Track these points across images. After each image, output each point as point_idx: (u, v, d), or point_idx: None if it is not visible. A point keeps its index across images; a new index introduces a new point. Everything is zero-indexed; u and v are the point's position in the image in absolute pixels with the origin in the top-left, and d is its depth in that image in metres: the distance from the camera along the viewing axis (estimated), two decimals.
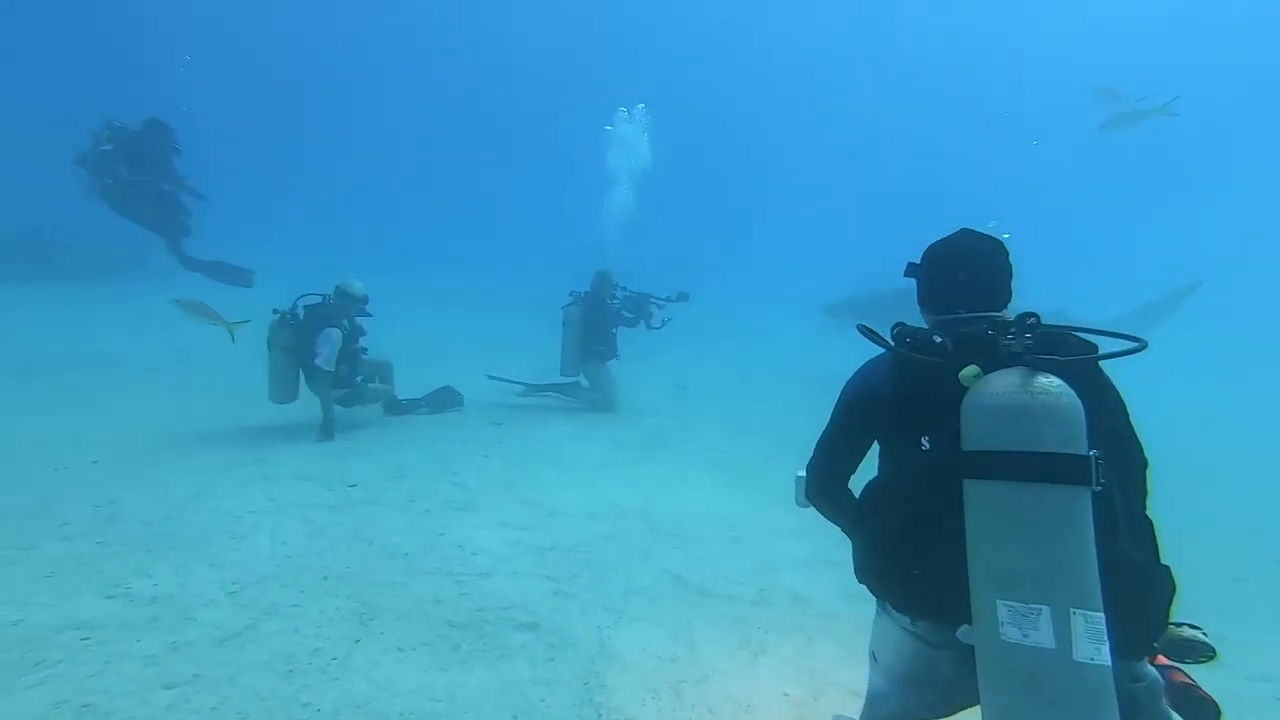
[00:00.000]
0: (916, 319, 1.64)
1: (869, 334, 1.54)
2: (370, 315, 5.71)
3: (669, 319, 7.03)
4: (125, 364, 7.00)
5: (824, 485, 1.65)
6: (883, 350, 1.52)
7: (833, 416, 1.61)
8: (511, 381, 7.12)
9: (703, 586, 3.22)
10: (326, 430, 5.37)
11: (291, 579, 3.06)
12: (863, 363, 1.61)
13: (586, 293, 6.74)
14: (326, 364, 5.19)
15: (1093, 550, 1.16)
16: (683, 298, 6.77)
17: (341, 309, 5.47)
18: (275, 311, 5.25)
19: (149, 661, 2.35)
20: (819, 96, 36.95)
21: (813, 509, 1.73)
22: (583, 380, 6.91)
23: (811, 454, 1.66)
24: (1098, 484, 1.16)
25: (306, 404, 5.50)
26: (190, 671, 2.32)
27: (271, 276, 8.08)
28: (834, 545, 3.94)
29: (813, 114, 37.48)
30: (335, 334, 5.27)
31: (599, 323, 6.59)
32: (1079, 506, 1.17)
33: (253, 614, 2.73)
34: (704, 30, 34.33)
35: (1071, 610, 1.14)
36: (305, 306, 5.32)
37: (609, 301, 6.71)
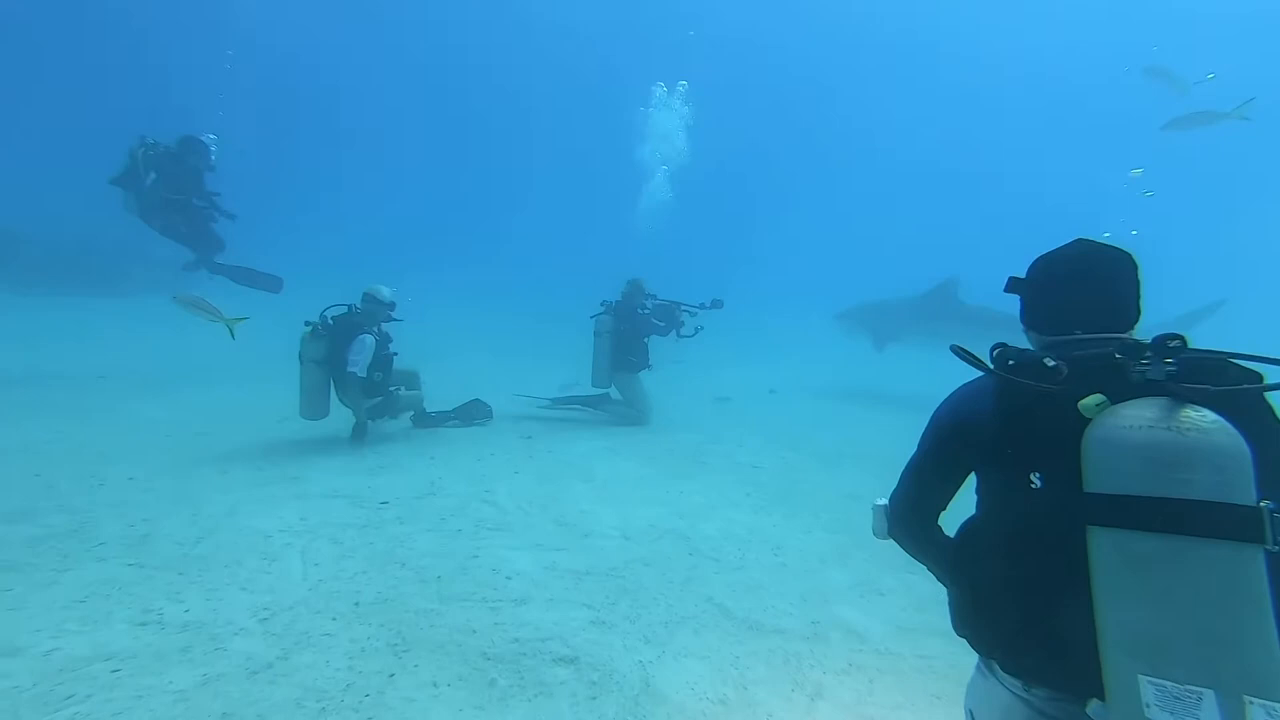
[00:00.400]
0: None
1: (965, 355, 1.36)
2: (400, 320, 5.67)
3: (701, 327, 6.88)
4: (160, 375, 7.09)
5: (910, 521, 1.47)
6: (980, 374, 1.34)
7: (921, 445, 1.43)
8: (539, 398, 7.02)
9: (749, 618, 3.03)
10: (359, 434, 5.35)
11: (323, 605, 2.97)
12: (957, 386, 1.43)
13: (617, 301, 6.62)
14: (359, 369, 5.16)
15: (1272, 623, 0.96)
16: (716, 305, 6.61)
17: (370, 316, 5.44)
18: (306, 324, 5.24)
19: (179, 697, 2.26)
20: (833, 102, 36.51)
21: (894, 543, 1.55)
22: (613, 392, 6.77)
23: (896, 484, 1.49)
24: (1276, 542, 0.96)
25: (336, 418, 5.48)
26: (220, 709, 2.22)
27: (295, 286, 8.20)
28: (883, 572, 3.80)
29: (830, 120, 37.04)
30: (369, 340, 5.23)
31: (631, 332, 6.46)
32: (1252, 569, 0.97)
33: (284, 644, 2.63)
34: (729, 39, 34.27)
35: (1247, 700, 0.94)
36: (332, 317, 5.30)
37: (640, 310, 6.57)
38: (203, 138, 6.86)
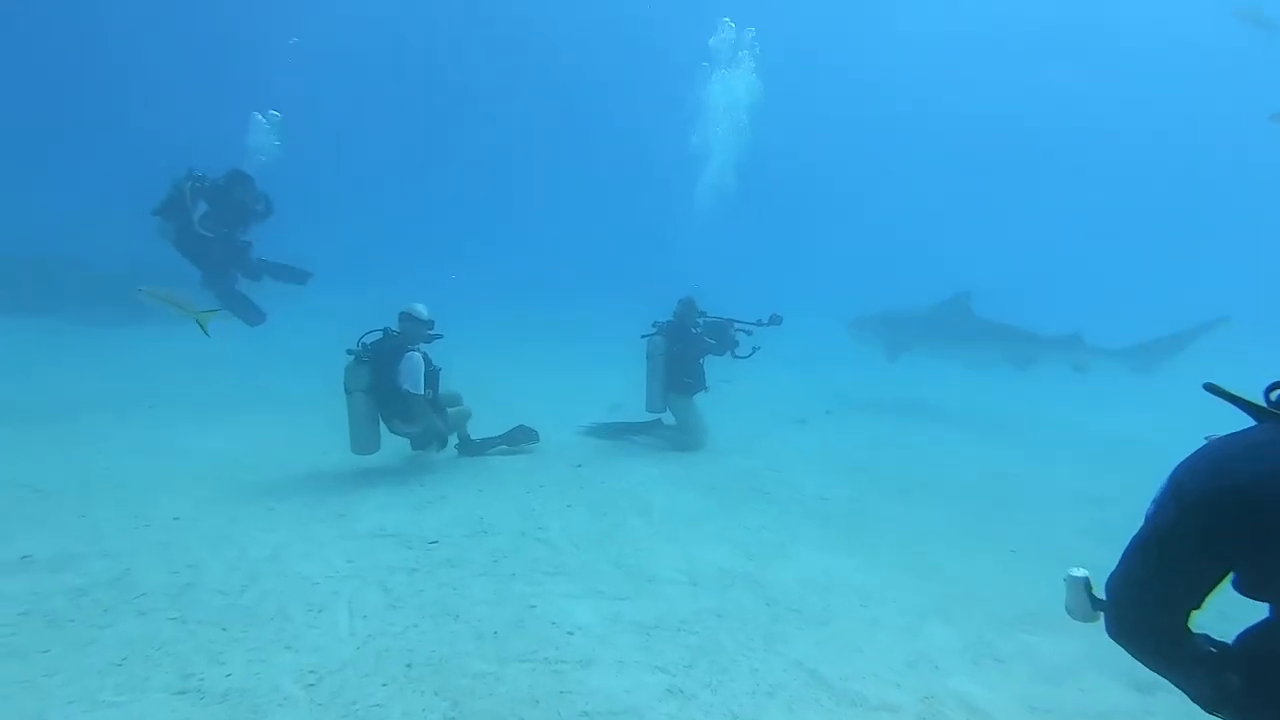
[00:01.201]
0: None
1: (1225, 395, 1.00)
2: (441, 336, 5.46)
3: (758, 347, 6.46)
4: (206, 402, 7.08)
5: (1147, 619, 1.10)
6: (1251, 423, 0.98)
7: (1161, 516, 1.07)
8: (592, 425, 6.73)
9: (849, 689, 2.64)
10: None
11: (373, 666, 2.71)
12: (1206, 443, 1.07)
13: (669, 321, 6.31)
14: (415, 387, 4.98)
15: None
16: (775, 321, 6.23)
17: (411, 335, 5.26)
18: (349, 353, 5.08)
19: None
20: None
21: (1078, 620, 1.19)
22: (665, 417, 6.45)
23: (1119, 565, 1.12)
24: None
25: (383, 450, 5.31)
26: None
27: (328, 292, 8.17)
28: (995, 633, 3.19)
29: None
30: (417, 357, 5.06)
31: (684, 353, 6.13)
32: None
33: (330, 717, 2.37)
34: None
35: None
36: (370, 343, 5.13)
37: (692, 329, 6.24)
38: (247, 170, 6.84)
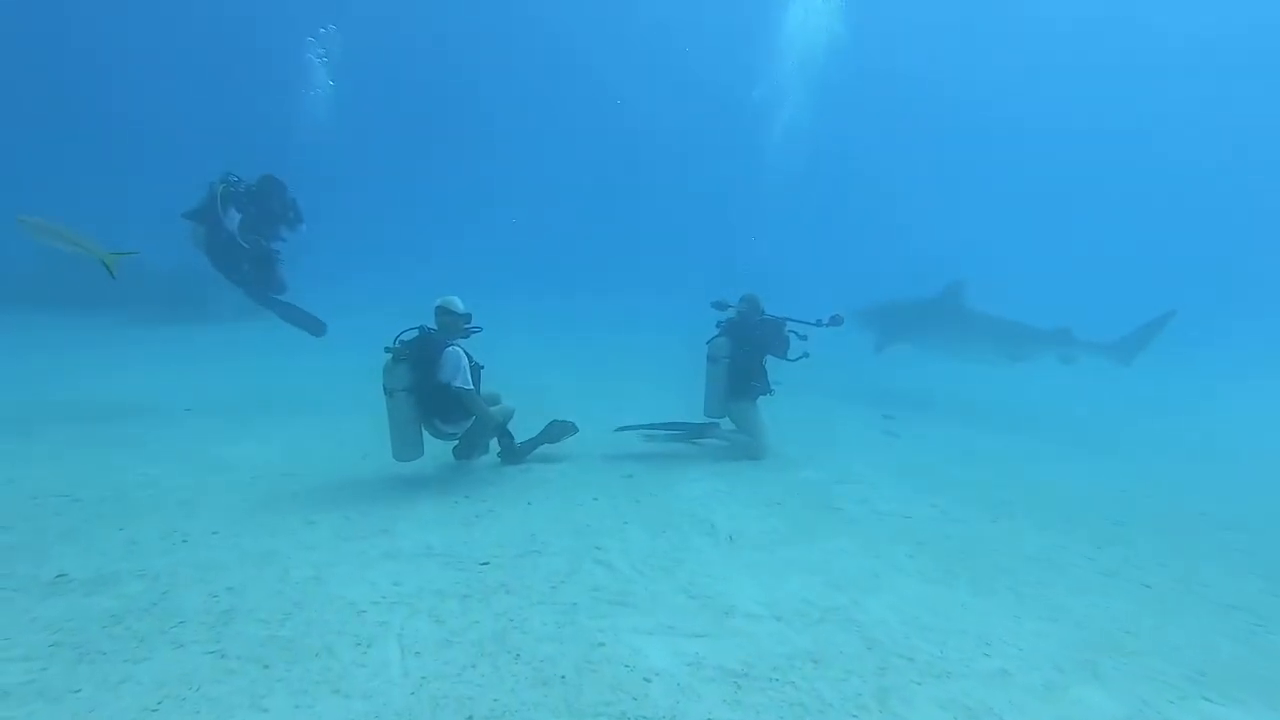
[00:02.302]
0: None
1: None
2: (480, 330, 5.15)
3: (808, 353, 5.96)
4: (243, 406, 6.92)
5: None
6: None
7: None
8: (640, 427, 6.34)
9: None
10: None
11: (429, 718, 2.37)
12: None
13: (732, 321, 5.90)
14: (464, 381, 4.73)
15: None
16: (836, 322, 5.76)
17: (449, 330, 4.97)
18: (387, 350, 4.80)
19: None
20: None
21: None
22: (724, 422, 6.04)
23: None
24: None
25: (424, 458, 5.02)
26: None
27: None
28: (1159, 695, 2.52)
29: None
30: (458, 351, 4.80)
31: (749, 356, 5.72)
32: None
33: None
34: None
35: None
36: (404, 342, 4.85)
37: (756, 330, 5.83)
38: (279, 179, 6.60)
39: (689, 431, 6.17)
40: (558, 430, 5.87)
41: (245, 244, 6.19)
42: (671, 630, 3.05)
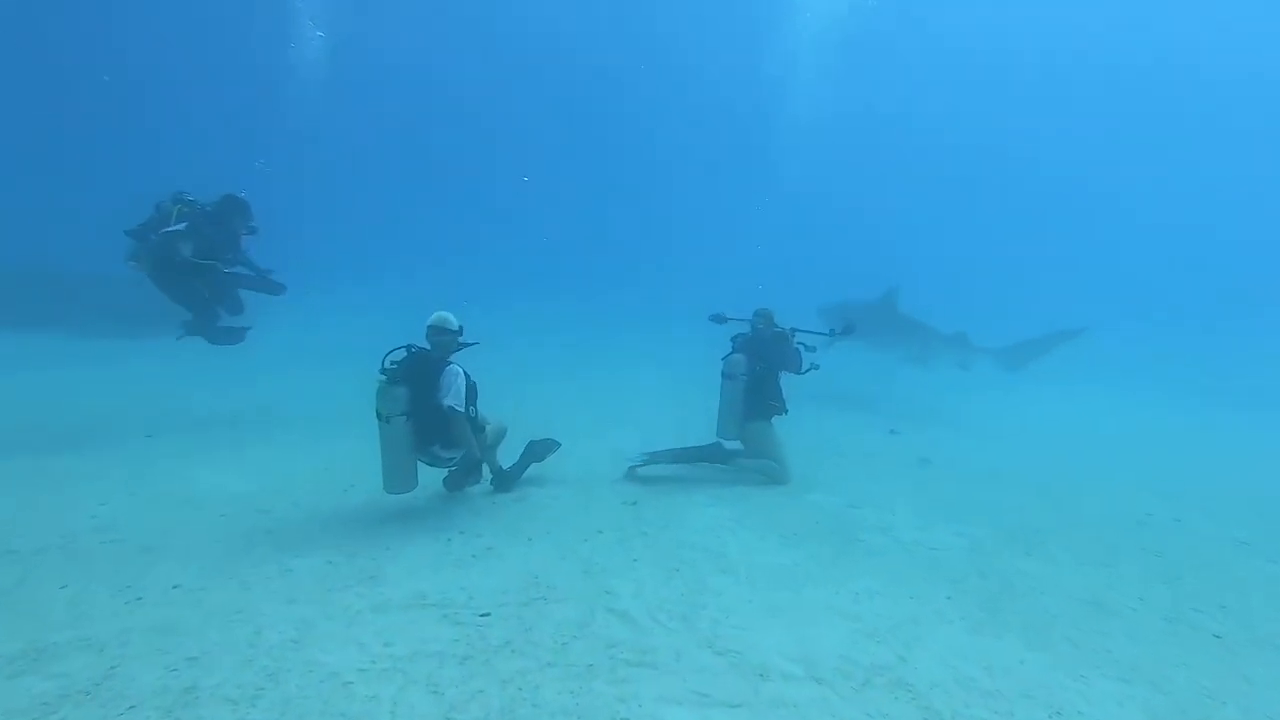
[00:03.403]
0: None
1: None
2: (476, 344, 4.79)
3: (817, 365, 5.71)
4: (210, 427, 6.40)
5: None
6: None
7: None
8: (653, 461, 5.95)
9: None
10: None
11: None
12: None
13: (747, 336, 5.61)
14: (459, 402, 4.42)
15: None
16: (847, 332, 5.50)
17: (444, 348, 4.61)
18: (381, 373, 4.40)
19: None
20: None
21: None
22: (729, 444, 5.73)
23: None
24: None
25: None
26: None
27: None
28: None
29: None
30: (458, 369, 4.50)
31: (765, 372, 5.42)
32: None
33: None
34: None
35: None
36: (395, 363, 4.47)
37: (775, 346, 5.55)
38: (241, 194, 6.08)
39: (691, 455, 5.85)
40: (541, 449, 5.56)
41: (201, 261, 5.63)
42: (703, 699, 2.71)
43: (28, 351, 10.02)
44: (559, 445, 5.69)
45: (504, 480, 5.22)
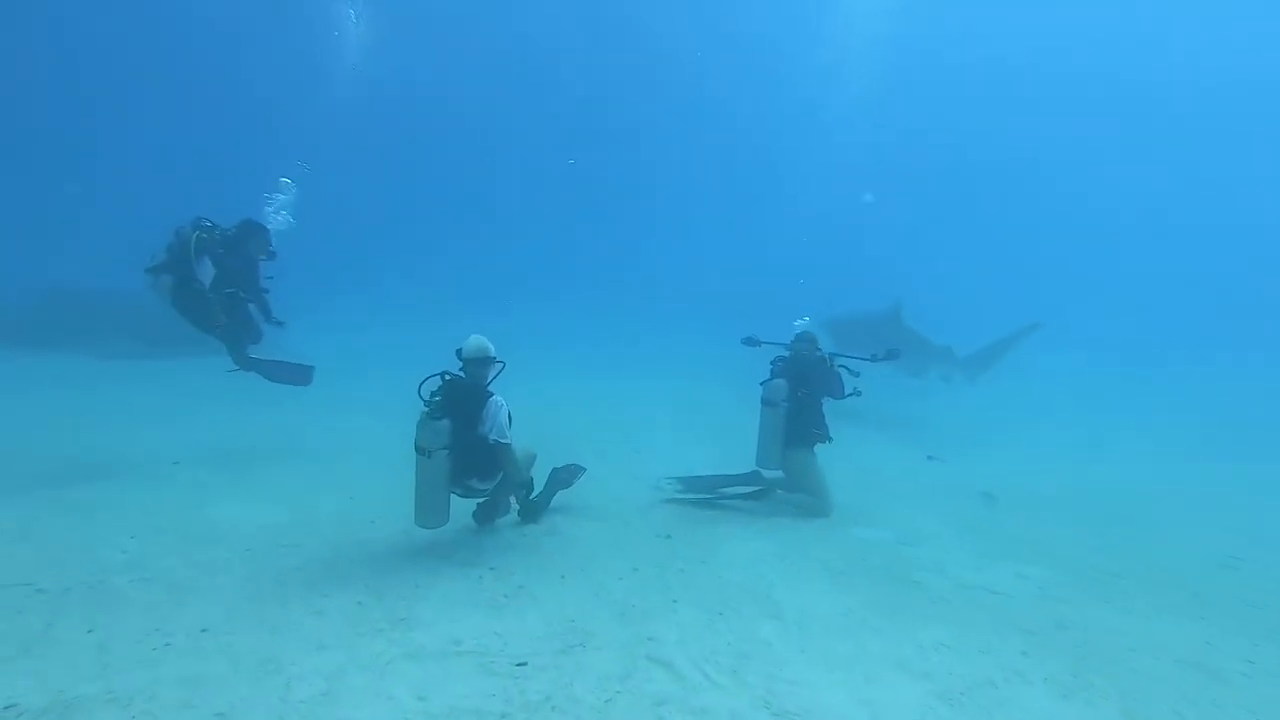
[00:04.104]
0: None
1: None
2: (504, 364, 4.64)
3: (859, 391, 5.47)
4: (238, 455, 6.32)
5: None
6: None
7: None
8: (686, 490, 5.77)
9: None
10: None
11: None
12: None
13: (787, 359, 5.41)
14: (503, 435, 4.33)
15: None
16: (892, 357, 5.26)
17: (482, 376, 4.48)
18: (425, 405, 4.25)
19: None
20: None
21: None
22: (766, 471, 5.51)
23: None
24: None
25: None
26: None
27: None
28: None
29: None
30: (500, 400, 4.40)
31: (808, 398, 5.22)
32: None
33: None
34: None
35: None
36: (436, 395, 4.34)
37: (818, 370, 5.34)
38: (264, 224, 5.97)
39: (731, 483, 5.63)
40: (566, 475, 5.42)
41: (219, 297, 5.51)
42: None
43: (50, 373, 10.15)
44: (584, 470, 5.54)
45: (532, 511, 5.06)
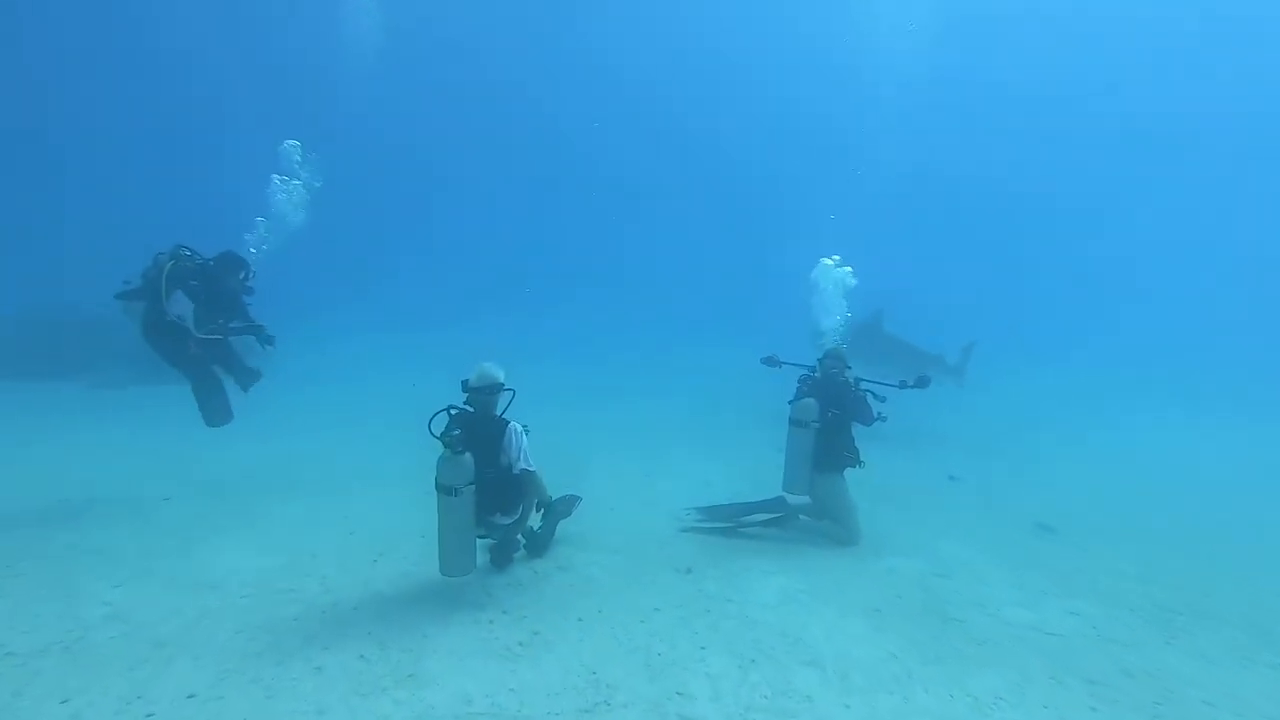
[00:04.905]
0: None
1: None
2: (514, 392, 4.38)
3: (885, 417, 5.17)
4: (225, 488, 6.02)
5: None
6: None
7: None
8: (709, 521, 5.50)
9: None
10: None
11: None
12: None
13: (816, 379, 5.16)
14: (529, 463, 4.21)
15: None
16: (922, 384, 5.00)
17: (493, 404, 4.25)
18: (445, 444, 3.92)
19: None
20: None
21: None
22: (790, 498, 5.25)
23: None
24: None
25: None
26: None
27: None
28: None
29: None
30: (518, 427, 4.24)
31: (838, 421, 4.97)
32: None
33: None
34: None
35: None
36: (455, 429, 4.08)
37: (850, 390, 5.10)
38: (244, 253, 5.70)
39: (754, 510, 5.36)
40: (565, 506, 5.17)
41: (203, 335, 5.14)
42: None
43: (38, 403, 9.84)
44: (580, 500, 5.35)
45: (538, 544, 4.78)
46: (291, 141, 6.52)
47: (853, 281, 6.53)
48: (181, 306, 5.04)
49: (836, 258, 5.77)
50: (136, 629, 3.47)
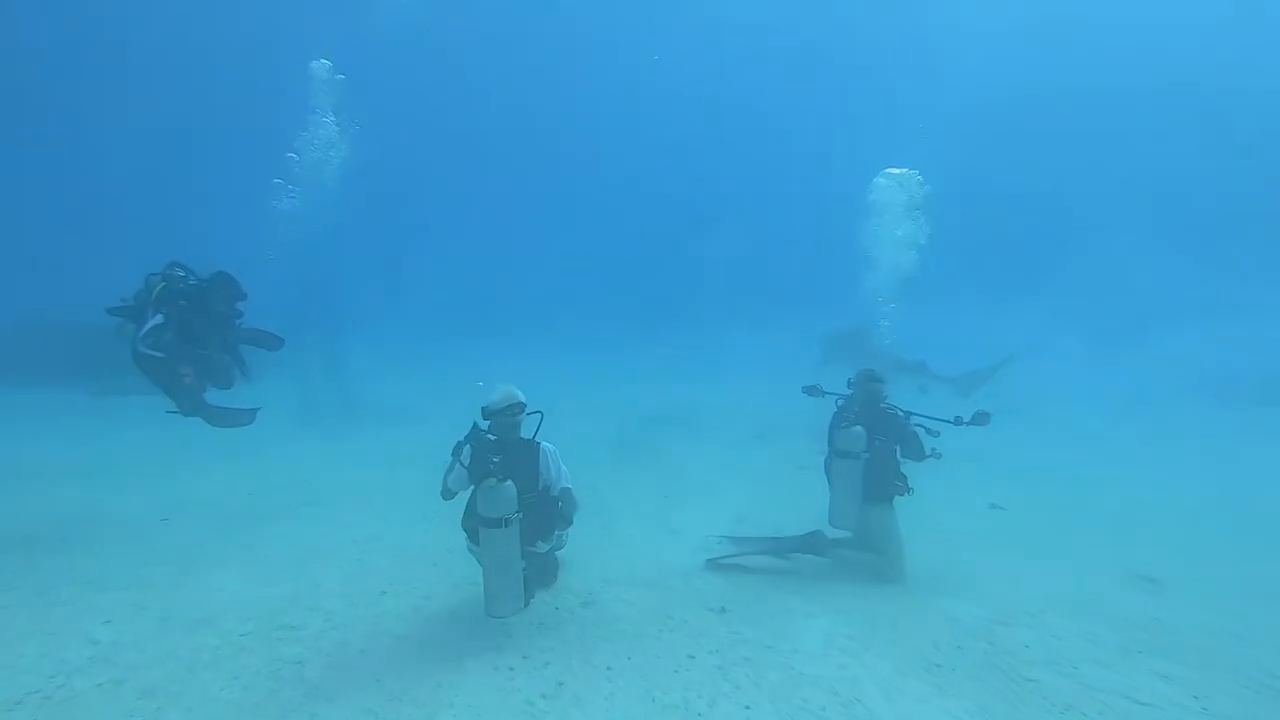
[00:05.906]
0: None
1: None
2: (541, 414, 4.06)
3: (940, 454, 4.69)
4: (226, 508, 5.72)
5: None
6: None
7: None
8: (737, 550, 5.14)
9: None
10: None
11: None
12: None
13: (861, 404, 4.78)
14: (567, 480, 4.04)
15: None
16: (981, 421, 4.55)
17: (517, 427, 3.95)
18: (489, 473, 3.64)
19: None
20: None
21: None
22: (828, 530, 4.87)
23: None
24: None
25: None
26: None
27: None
28: None
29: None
30: (551, 447, 4.04)
31: (884, 449, 4.59)
32: None
33: None
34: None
35: None
36: (494, 458, 3.78)
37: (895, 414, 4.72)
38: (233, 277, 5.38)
39: (791, 545, 4.98)
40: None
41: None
42: None
43: (40, 409, 9.64)
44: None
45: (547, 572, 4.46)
46: (323, 61, 5.92)
47: (924, 189, 5.63)
48: (155, 327, 4.70)
49: (903, 169, 4.91)
50: (125, 674, 3.16)
